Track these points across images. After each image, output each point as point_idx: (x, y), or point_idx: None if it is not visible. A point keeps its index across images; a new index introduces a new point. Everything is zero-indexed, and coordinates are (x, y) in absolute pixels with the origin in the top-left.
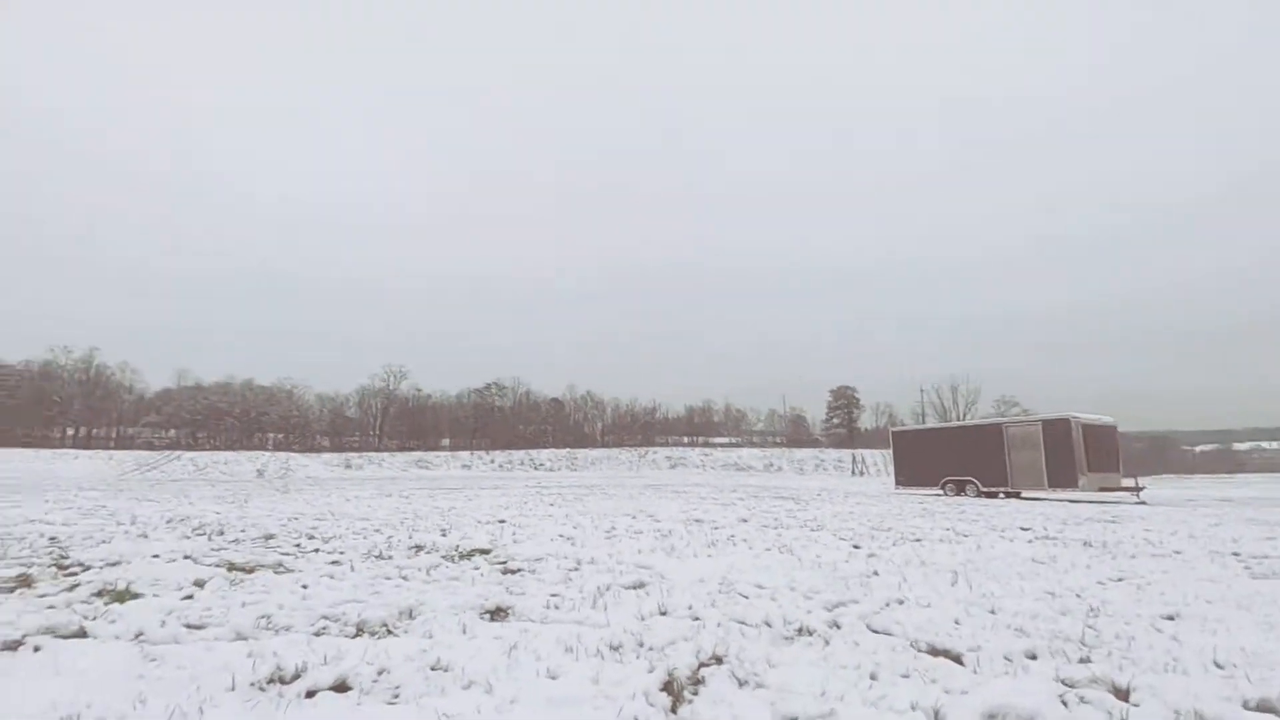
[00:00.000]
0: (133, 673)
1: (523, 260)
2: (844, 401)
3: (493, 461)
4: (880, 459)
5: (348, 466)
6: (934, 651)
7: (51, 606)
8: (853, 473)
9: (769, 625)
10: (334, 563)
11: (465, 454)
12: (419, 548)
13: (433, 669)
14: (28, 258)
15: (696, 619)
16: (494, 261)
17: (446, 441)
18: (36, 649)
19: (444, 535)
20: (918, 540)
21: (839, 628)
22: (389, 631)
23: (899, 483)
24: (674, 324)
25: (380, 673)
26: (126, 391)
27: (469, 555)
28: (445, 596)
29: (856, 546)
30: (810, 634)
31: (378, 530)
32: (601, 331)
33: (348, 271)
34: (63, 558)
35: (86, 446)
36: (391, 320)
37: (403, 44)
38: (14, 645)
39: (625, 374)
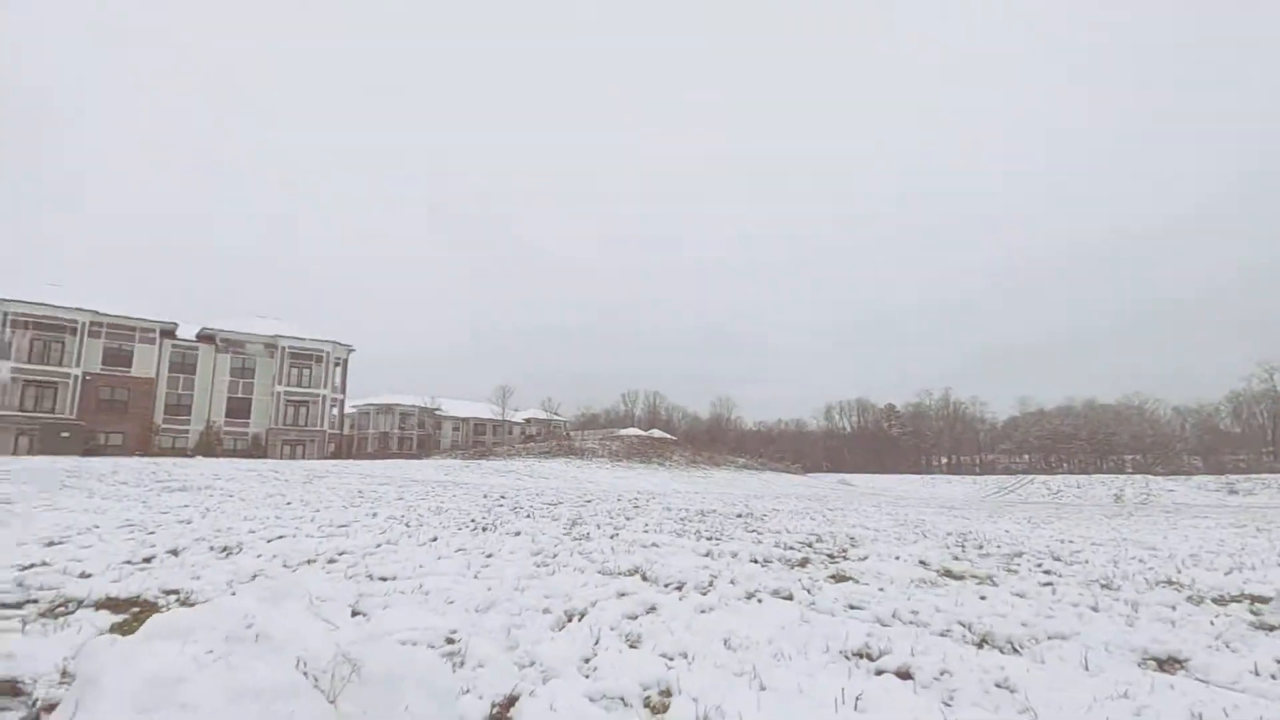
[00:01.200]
0: (785, 625)
1: None
2: None
3: None
4: None
5: (1231, 491)
6: None
7: (808, 576)
8: None
9: None
10: (1046, 584)
11: None
12: (1169, 583)
13: (997, 685)
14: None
15: None
16: None
17: None
18: (759, 601)
19: (1226, 575)
20: None
21: None
22: (1015, 649)
23: None
24: None
25: (941, 674)
26: (980, 422)
27: (1224, 601)
28: (1117, 634)
29: None
30: None
31: (1141, 560)
32: None
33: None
34: (843, 550)
35: (954, 472)
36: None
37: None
38: (750, 595)
39: None
